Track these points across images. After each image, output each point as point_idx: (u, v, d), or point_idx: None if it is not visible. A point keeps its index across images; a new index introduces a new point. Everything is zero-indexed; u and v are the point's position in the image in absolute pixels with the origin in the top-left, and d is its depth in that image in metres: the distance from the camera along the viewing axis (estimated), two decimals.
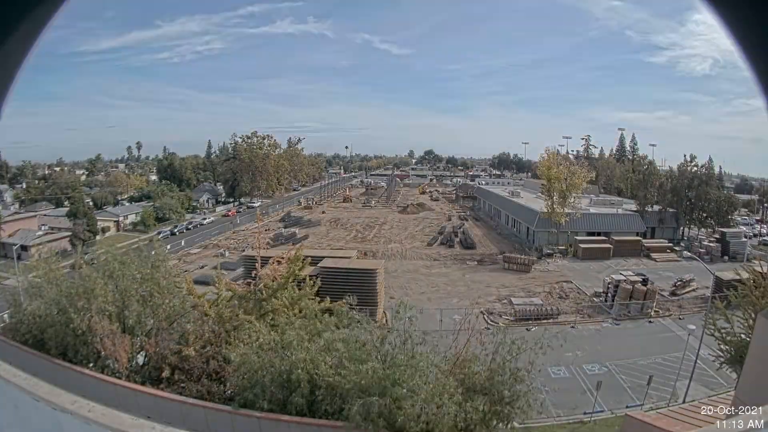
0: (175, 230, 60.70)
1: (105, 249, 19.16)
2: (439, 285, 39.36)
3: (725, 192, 63.50)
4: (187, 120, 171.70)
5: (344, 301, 15.77)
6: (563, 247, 49.62)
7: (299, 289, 19.84)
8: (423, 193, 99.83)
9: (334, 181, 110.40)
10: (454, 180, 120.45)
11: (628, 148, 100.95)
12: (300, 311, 18.60)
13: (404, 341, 12.15)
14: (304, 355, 12.98)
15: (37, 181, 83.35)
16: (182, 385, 15.83)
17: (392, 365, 11.65)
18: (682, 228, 58.14)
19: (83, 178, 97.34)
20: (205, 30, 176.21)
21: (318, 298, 19.95)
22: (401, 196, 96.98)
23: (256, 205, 78.00)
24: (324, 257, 33.21)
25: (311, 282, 20.32)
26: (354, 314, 13.87)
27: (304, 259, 20.58)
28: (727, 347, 18.87)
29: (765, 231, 61.33)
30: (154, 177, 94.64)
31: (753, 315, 17.81)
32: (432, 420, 10.89)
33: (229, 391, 15.64)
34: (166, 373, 16.30)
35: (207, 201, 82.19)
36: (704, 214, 56.41)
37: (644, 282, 35.26)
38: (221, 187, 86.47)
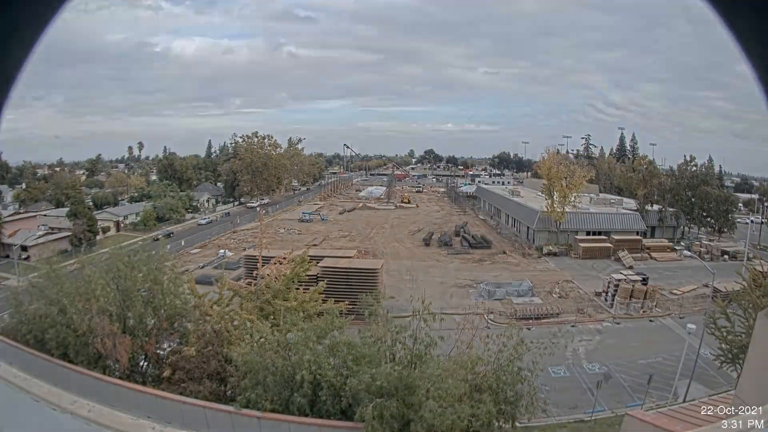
0: None
1: (109, 250, 19.11)
2: (438, 284, 39.35)
3: (725, 191, 63.47)
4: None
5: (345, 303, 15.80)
6: (563, 247, 49.67)
7: (304, 291, 19.81)
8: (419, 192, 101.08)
9: (334, 180, 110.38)
10: (451, 180, 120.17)
11: (629, 148, 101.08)
12: (304, 312, 18.60)
13: (414, 341, 12.17)
14: (308, 356, 12.97)
15: (37, 181, 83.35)
16: (183, 385, 15.83)
17: (406, 366, 11.68)
18: (682, 227, 58.13)
19: (83, 178, 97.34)
20: None
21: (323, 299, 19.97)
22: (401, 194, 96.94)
23: (254, 205, 78.00)
24: (324, 257, 33.23)
25: (318, 286, 20.25)
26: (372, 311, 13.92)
27: (309, 262, 20.55)
28: (727, 346, 18.90)
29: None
30: (154, 177, 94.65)
31: (753, 315, 17.82)
32: (445, 423, 10.91)
33: (230, 391, 15.65)
34: (166, 374, 16.30)
35: (207, 201, 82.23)
36: (704, 214, 56.41)
37: (644, 281, 35.31)
38: (221, 186, 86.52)
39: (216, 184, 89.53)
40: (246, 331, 16.35)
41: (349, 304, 19.18)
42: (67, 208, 55.07)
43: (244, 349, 14.42)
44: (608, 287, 34.88)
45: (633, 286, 33.49)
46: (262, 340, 14.56)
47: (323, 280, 21.95)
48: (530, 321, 30.82)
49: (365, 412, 11.21)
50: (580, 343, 28.17)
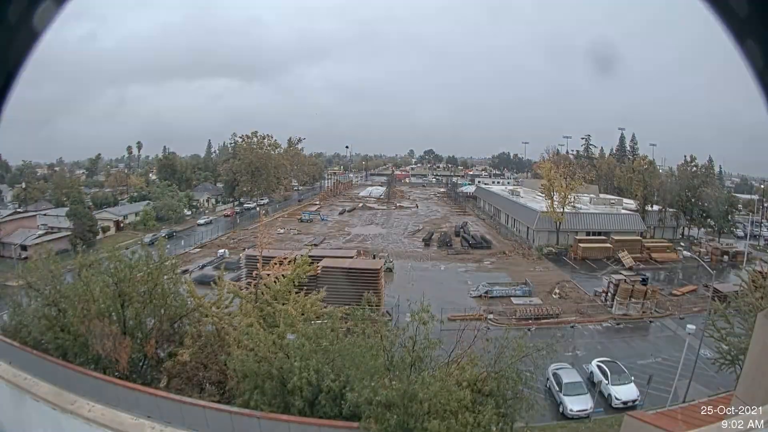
0: None
1: (109, 252, 19.03)
2: (438, 284, 39.34)
3: (725, 192, 63.53)
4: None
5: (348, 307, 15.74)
6: (563, 247, 49.69)
7: (305, 294, 19.73)
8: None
9: (334, 180, 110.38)
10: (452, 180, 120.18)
11: (628, 148, 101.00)
12: (303, 314, 18.57)
13: (414, 344, 12.14)
14: (298, 363, 12.93)
15: (37, 181, 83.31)
16: (179, 388, 15.85)
17: (405, 369, 11.64)
18: (682, 228, 58.17)
19: (83, 178, 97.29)
20: None
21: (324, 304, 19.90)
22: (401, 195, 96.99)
23: (252, 205, 78.02)
24: (324, 257, 33.22)
25: (320, 294, 20.13)
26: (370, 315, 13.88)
27: (310, 264, 20.50)
28: (727, 347, 18.89)
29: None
30: (153, 177, 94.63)
31: (753, 316, 17.82)
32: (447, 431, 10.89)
33: (229, 393, 15.64)
34: (163, 383, 16.30)
35: (207, 201, 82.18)
36: (704, 214, 56.46)
37: (644, 282, 35.32)
38: (221, 186, 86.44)
39: (216, 184, 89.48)
40: (244, 334, 16.27)
41: (349, 305, 19.15)
42: (67, 208, 55.05)
43: (242, 355, 14.40)
44: (608, 288, 34.89)
45: (633, 286, 33.49)
46: (259, 345, 14.50)
47: (323, 287, 21.84)
48: (530, 322, 30.82)
49: (368, 425, 11.19)
50: (580, 344, 28.18)
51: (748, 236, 51.42)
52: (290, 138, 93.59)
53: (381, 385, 11.30)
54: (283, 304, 18.72)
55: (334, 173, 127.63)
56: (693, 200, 56.16)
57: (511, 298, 35.02)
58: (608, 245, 48.24)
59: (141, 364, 17.86)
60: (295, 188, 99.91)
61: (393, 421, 10.98)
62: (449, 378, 12.07)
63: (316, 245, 47.19)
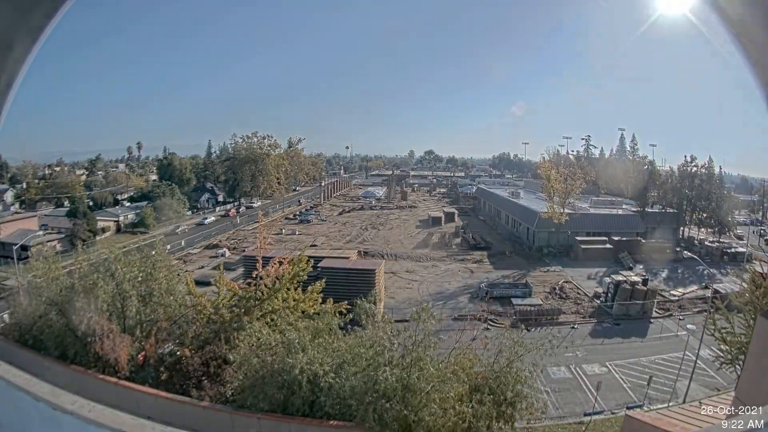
0: None
1: (106, 249, 19.11)
2: (438, 285, 39.39)
3: (725, 192, 63.50)
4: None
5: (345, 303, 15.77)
6: (563, 247, 49.71)
7: (303, 291, 19.80)
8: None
9: (334, 180, 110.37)
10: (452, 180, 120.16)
11: (629, 148, 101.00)
12: (302, 312, 18.60)
13: (413, 344, 12.15)
14: (300, 355, 12.96)
15: (37, 181, 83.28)
16: (181, 384, 15.85)
17: (406, 368, 11.66)
18: (682, 228, 58.17)
19: (83, 178, 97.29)
20: None
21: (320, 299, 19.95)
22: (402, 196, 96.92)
23: (255, 205, 78.01)
24: (323, 257, 33.22)
25: (317, 284, 20.20)
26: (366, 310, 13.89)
27: (307, 261, 20.55)
28: (727, 347, 18.90)
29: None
30: (154, 177, 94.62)
31: (753, 315, 17.83)
32: (447, 425, 10.91)
33: (230, 392, 15.64)
34: (164, 377, 16.31)
35: (207, 201, 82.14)
36: (704, 214, 56.43)
37: (644, 282, 35.31)
38: (221, 186, 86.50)
39: (216, 185, 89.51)
40: (245, 330, 16.34)
41: (348, 305, 19.15)
42: (67, 208, 55.05)
43: (243, 350, 14.43)
44: (608, 288, 34.89)
45: (633, 287, 33.49)
46: (260, 340, 14.56)
47: (323, 278, 21.94)
48: (530, 322, 30.81)
49: (366, 415, 11.20)
50: (580, 344, 28.19)
51: (748, 236, 51.40)
52: (290, 138, 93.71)
53: (379, 375, 11.34)
54: (283, 301, 18.80)
55: (335, 174, 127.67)
56: (693, 200, 56.14)
57: (511, 299, 35.00)
58: (608, 246, 48.25)
59: (142, 365, 17.86)
60: (295, 189, 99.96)
61: (392, 413, 10.99)
62: (446, 369, 12.10)
63: (315, 245, 47.21)
